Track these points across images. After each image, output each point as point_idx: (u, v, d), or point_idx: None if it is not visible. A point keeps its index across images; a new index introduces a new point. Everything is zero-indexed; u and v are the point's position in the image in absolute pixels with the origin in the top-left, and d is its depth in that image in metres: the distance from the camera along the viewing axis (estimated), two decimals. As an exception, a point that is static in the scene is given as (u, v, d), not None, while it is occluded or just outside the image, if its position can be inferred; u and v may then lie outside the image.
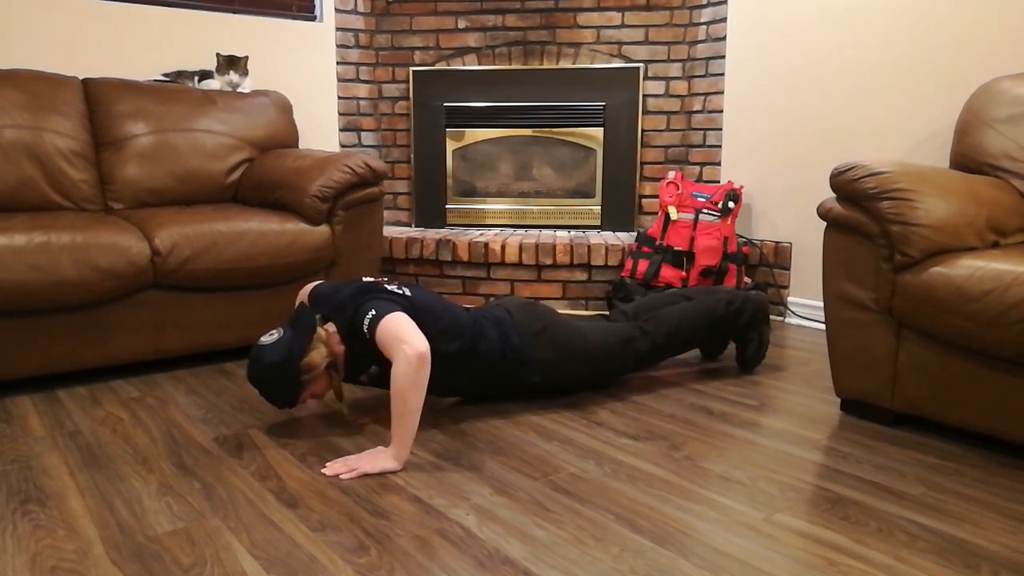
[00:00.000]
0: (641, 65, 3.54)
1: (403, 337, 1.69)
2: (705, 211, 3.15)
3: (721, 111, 3.40)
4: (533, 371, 2.08)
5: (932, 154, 2.71)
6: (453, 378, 2.00)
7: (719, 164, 3.44)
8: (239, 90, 3.11)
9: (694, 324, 2.31)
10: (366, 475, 1.66)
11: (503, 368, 2.04)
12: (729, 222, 3.13)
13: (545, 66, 3.62)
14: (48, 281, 2.12)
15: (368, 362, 1.89)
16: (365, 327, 1.76)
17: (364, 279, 1.99)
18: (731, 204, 3.13)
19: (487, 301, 3.24)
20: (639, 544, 1.39)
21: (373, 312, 1.76)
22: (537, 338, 2.07)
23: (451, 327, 1.94)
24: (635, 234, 3.54)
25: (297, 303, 2.12)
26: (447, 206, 3.75)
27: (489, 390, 2.10)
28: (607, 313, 2.39)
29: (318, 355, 1.84)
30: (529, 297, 3.00)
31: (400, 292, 1.91)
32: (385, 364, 1.78)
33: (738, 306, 2.38)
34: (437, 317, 1.92)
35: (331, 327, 1.90)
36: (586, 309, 3.29)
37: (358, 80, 3.70)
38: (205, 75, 3.11)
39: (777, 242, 3.22)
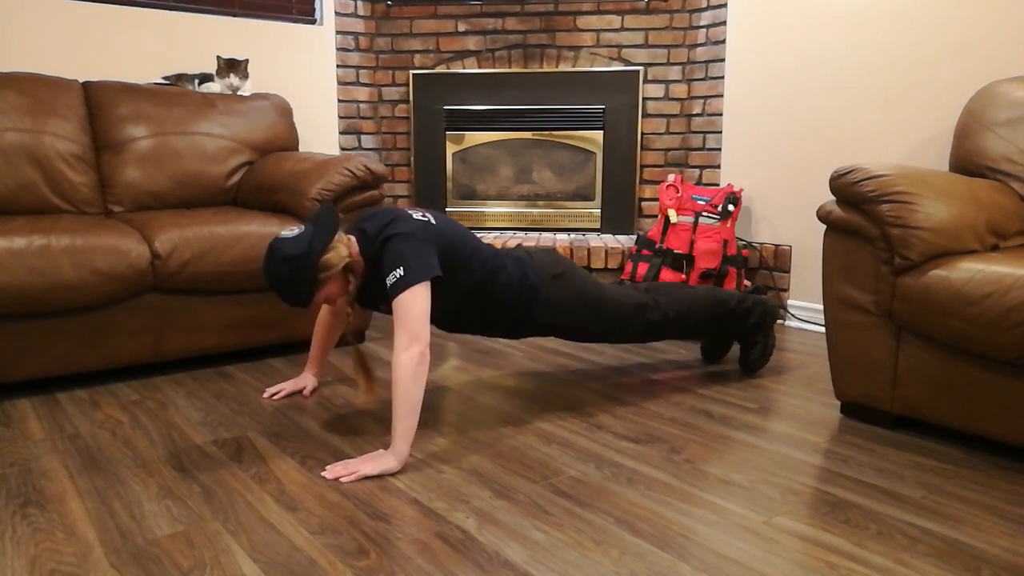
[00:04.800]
0: (641, 68, 3.55)
1: (412, 326, 1.68)
2: (705, 214, 3.15)
3: (721, 114, 3.40)
4: (545, 312, 2.05)
5: (932, 157, 2.71)
6: (466, 312, 1.98)
7: (719, 167, 3.44)
8: (239, 93, 3.11)
9: (705, 308, 2.29)
10: (366, 478, 1.66)
11: (518, 305, 2.02)
12: (729, 225, 3.13)
13: (545, 69, 3.63)
14: (48, 284, 2.12)
15: (382, 296, 1.84)
16: (390, 282, 1.73)
17: (393, 208, 1.93)
18: (731, 207, 3.13)
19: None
20: (639, 547, 1.39)
21: (401, 271, 1.72)
22: (554, 281, 2.05)
23: (472, 257, 1.92)
24: (635, 237, 3.54)
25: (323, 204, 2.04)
26: (447, 209, 3.75)
27: (500, 328, 2.07)
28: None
29: (336, 255, 1.79)
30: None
31: (426, 220, 1.86)
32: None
33: (749, 305, 2.38)
34: (459, 249, 1.89)
35: (354, 239, 1.86)
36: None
37: (358, 83, 3.71)
38: (205, 78, 3.12)
39: (777, 245, 3.22)
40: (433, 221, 1.88)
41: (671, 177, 3.26)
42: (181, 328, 2.40)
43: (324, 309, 2.21)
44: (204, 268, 2.38)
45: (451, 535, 1.43)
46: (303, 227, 1.80)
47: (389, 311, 1.89)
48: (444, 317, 1.97)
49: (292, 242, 1.76)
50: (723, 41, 3.35)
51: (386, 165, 3.79)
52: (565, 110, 3.61)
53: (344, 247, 1.82)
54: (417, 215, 1.87)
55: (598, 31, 3.57)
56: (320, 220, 1.80)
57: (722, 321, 2.35)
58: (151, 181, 2.79)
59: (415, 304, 1.71)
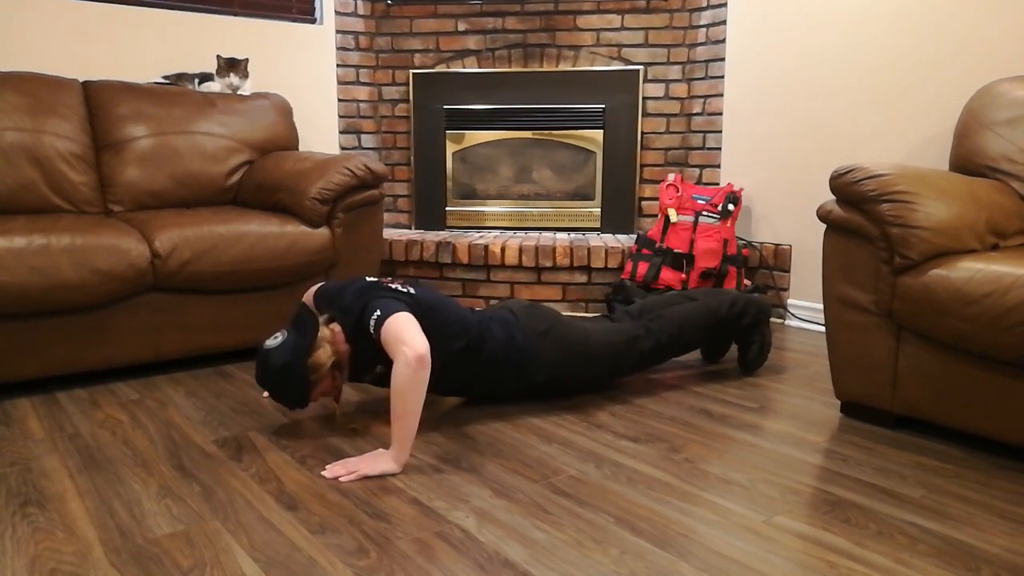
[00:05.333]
0: (641, 68, 3.55)
1: (404, 338, 1.69)
2: (705, 213, 3.15)
3: (721, 114, 3.40)
4: (538, 371, 2.08)
5: (932, 157, 2.71)
6: (457, 378, 2.00)
7: (719, 166, 3.44)
8: (239, 92, 3.11)
9: (698, 324, 2.31)
10: (366, 477, 1.66)
11: (508, 368, 2.04)
12: (729, 224, 3.13)
13: (545, 68, 3.62)
14: (48, 284, 2.12)
15: (374, 361, 1.89)
16: (372, 327, 1.76)
17: (368, 278, 1.99)
18: (731, 206, 3.13)
19: (489, 304, 3.25)
20: (639, 546, 1.39)
21: (379, 312, 1.76)
22: (542, 338, 2.07)
23: (456, 326, 1.94)
24: (635, 236, 3.54)
25: (299, 304, 2.12)
26: (447, 208, 3.76)
27: (493, 391, 2.10)
28: (610, 315, 2.39)
29: (324, 354, 1.84)
30: (531, 300, 3.00)
31: (405, 291, 1.91)
32: (390, 364, 1.78)
33: (741, 307, 2.38)
34: (442, 316, 1.92)
35: (336, 327, 1.90)
36: (586, 311, 3.29)
37: (358, 83, 3.71)
38: (205, 78, 3.11)
39: (777, 244, 3.22)
40: (413, 291, 1.92)
41: (671, 176, 3.26)
42: (181, 327, 2.40)
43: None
44: (204, 267, 2.38)
45: (451, 534, 1.43)
46: (285, 333, 1.84)
47: (373, 381, 1.96)
48: (435, 384, 1.94)
49: (276, 352, 1.81)
50: (723, 41, 3.35)
51: (386, 164, 3.79)
52: (565, 109, 3.61)
53: (328, 344, 1.86)
54: (396, 286, 1.92)
55: (598, 30, 3.57)
56: (300, 324, 1.85)
57: (717, 329, 2.36)
58: (151, 180, 2.79)
59: (397, 324, 1.73)
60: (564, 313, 3.25)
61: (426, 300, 1.91)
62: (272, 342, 1.84)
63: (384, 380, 1.92)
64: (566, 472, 1.71)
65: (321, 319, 1.89)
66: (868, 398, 2.01)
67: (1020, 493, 1.63)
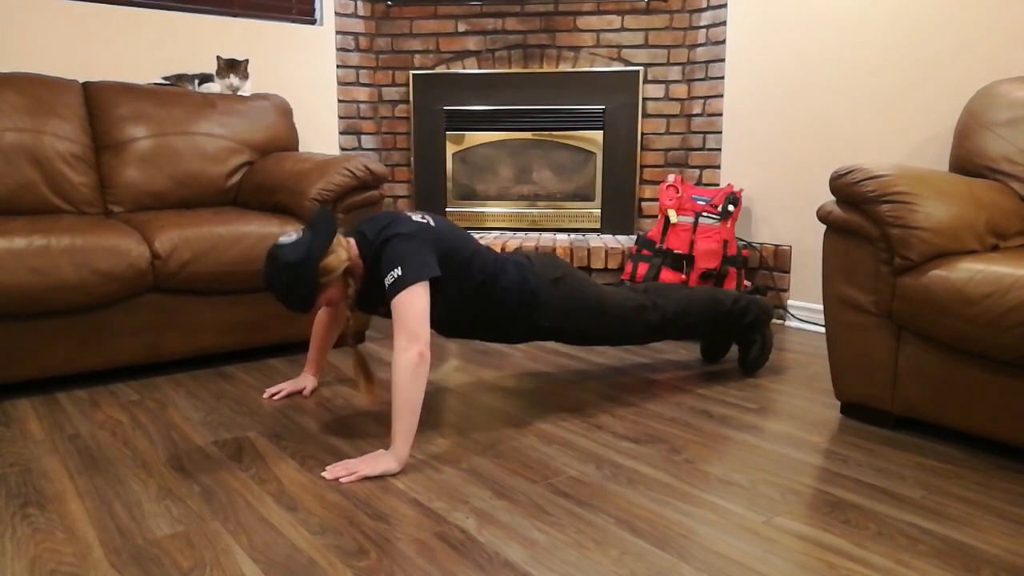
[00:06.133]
0: (641, 68, 3.55)
1: (411, 326, 1.68)
2: (705, 214, 3.15)
3: (721, 114, 3.40)
4: (545, 315, 2.04)
5: (932, 157, 2.71)
6: (468, 314, 1.98)
7: (719, 167, 3.44)
8: (239, 93, 3.11)
9: (702, 309, 2.29)
10: (366, 478, 1.66)
11: (518, 309, 2.01)
12: (729, 225, 3.13)
13: (545, 69, 3.63)
14: (48, 284, 2.12)
15: (381, 297, 1.84)
16: (387, 282, 1.73)
17: (390, 211, 1.93)
18: (731, 207, 3.13)
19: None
20: (639, 547, 1.39)
21: (399, 272, 1.72)
22: (554, 285, 2.05)
23: (473, 260, 1.92)
24: (635, 237, 3.54)
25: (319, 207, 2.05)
26: (447, 209, 3.76)
27: (499, 332, 2.07)
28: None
29: (336, 259, 1.79)
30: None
31: (425, 222, 1.86)
32: None
33: (744, 305, 2.38)
34: (460, 250, 1.89)
35: (353, 242, 1.86)
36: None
37: (358, 83, 3.71)
38: (205, 78, 3.12)
39: (777, 245, 3.22)
40: (433, 224, 1.88)
41: (671, 177, 3.26)
42: (181, 328, 2.40)
43: (322, 309, 2.21)
44: (204, 268, 2.38)
45: (451, 535, 1.43)
46: (301, 232, 1.80)
47: (388, 314, 1.90)
48: (443, 321, 1.96)
49: (291, 248, 1.76)
50: (723, 41, 3.35)
51: (386, 165, 3.79)
52: (565, 110, 3.61)
53: (343, 250, 1.82)
54: (416, 217, 1.87)
55: (598, 31, 3.57)
56: (318, 224, 1.80)
57: (719, 321, 2.35)
58: (151, 181, 2.79)
59: (414, 304, 1.70)
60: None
61: (445, 234, 1.88)
62: (286, 239, 1.78)
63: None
64: (566, 473, 1.71)
65: (340, 230, 1.85)
66: (868, 399, 2.01)
67: (1020, 494, 1.63)
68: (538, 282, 2.03)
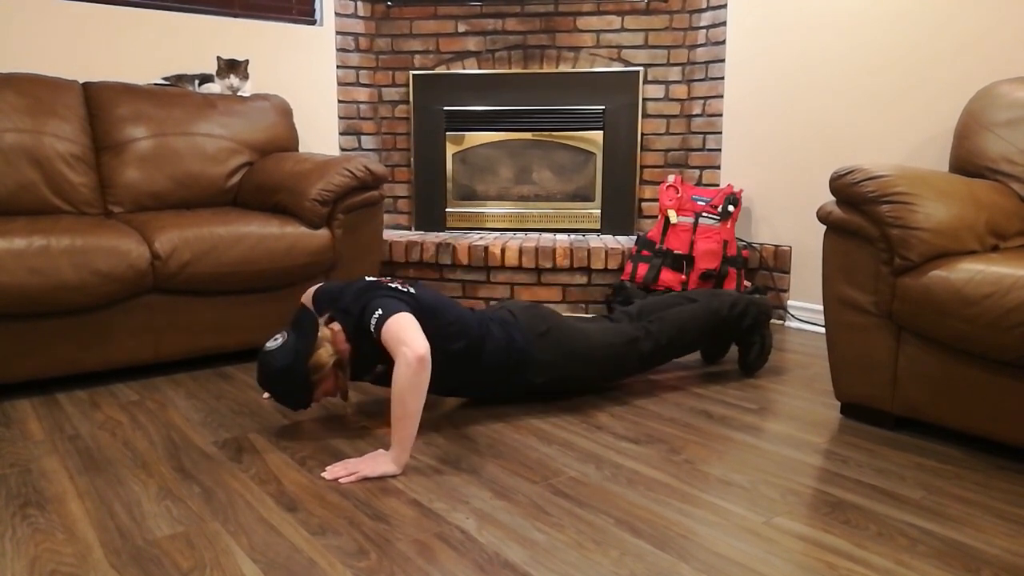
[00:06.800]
0: (641, 69, 3.55)
1: (405, 338, 1.69)
2: (705, 215, 3.15)
3: (721, 115, 3.40)
4: (537, 372, 2.07)
5: (932, 158, 2.71)
6: (457, 378, 2.00)
7: (719, 168, 3.44)
8: (239, 94, 3.11)
9: (698, 326, 2.30)
10: (366, 479, 1.66)
11: (508, 369, 2.04)
12: (729, 226, 3.13)
13: (545, 70, 3.63)
14: (48, 285, 2.12)
15: (374, 361, 1.89)
16: (372, 326, 1.76)
17: (368, 278, 1.99)
18: (731, 208, 3.13)
19: (488, 305, 3.25)
20: (639, 548, 1.39)
21: (380, 311, 1.76)
22: (542, 339, 2.07)
23: (456, 325, 1.94)
24: (635, 238, 3.54)
25: (299, 305, 2.12)
26: (447, 210, 3.76)
27: (493, 392, 2.10)
28: (609, 315, 2.39)
29: (325, 353, 1.84)
30: (531, 301, 2.99)
31: (405, 290, 1.91)
32: (391, 363, 1.78)
33: (742, 309, 2.38)
34: (442, 316, 1.92)
35: (336, 326, 1.90)
36: (586, 312, 3.29)
37: (358, 84, 3.71)
38: (205, 79, 3.12)
39: (777, 246, 3.22)
40: (413, 291, 1.92)
41: (671, 178, 3.26)
42: (181, 329, 2.40)
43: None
44: (204, 269, 2.38)
45: (451, 536, 1.43)
46: (285, 334, 1.84)
47: (374, 380, 1.96)
48: (433, 383, 1.93)
49: (278, 354, 1.81)
50: (723, 42, 3.35)
51: (386, 166, 3.79)
52: (565, 111, 3.61)
53: (329, 344, 1.86)
54: (396, 285, 1.92)
55: (598, 32, 3.57)
56: (300, 326, 1.85)
57: (717, 330, 2.36)
58: (151, 182, 2.79)
59: (401, 323, 1.73)
60: (564, 314, 3.25)
61: (427, 300, 1.91)
62: (272, 344, 1.83)
63: (384, 379, 1.92)
64: (566, 473, 1.71)
65: (321, 319, 1.89)
66: (868, 399, 2.01)
67: (1020, 494, 1.63)
68: (525, 340, 2.05)
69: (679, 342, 2.28)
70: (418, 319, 1.77)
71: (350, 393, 2.14)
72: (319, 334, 1.85)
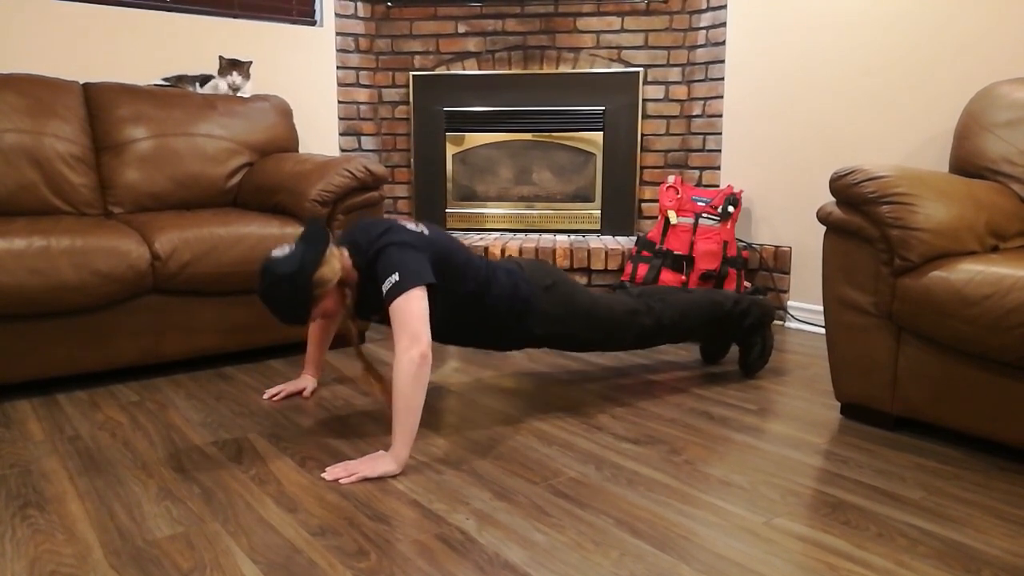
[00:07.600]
0: (641, 69, 3.55)
1: (411, 330, 1.68)
2: (705, 215, 3.15)
3: (721, 115, 3.40)
4: (537, 323, 2.06)
5: (932, 158, 2.71)
6: (460, 322, 1.99)
7: (719, 168, 3.44)
8: (240, 94, 3.11)
9: (700, 313, 2.29)
10: (366, 479, 1.66)
11: (510, 317, 2.02)
12: (729, 226, 3.13)
13: (545, 70, 3.63)
14: (48, 285, 2.12)
15: (379, 307, 1.85)
16: (385, 289, 1.73)
17: (382, 219, 1.93)
18: (731, 208, 3.13)
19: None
20: (639, 548, 1.39)
21: (396, 277, 1.72)
22: (546, 292, 2.06)
23: (465, 268, 1.93)
24: (635, 238, 3.54)
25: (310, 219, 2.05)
26: (447, 210, 3.76)
27: (493, 339, 2.08)
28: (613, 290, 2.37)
29: (330, 270, 1.79)
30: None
31: (418, 231, 1.87)
32: None
33: (745, 307, 2.37)
34: (454, 257, 1.90)
35: (345, 252, 1.86)
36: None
37: (358, 84, 3.71)
38: (206, 79, 3.12)
39: (777, 246, 3.22)
40: (427, 232, 1.89)
41: (671, 178, 3.26)
42: (181, 329, 2.40)
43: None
44: (204, 269, 2.38)
45: (451, 536, 1.43)
46: (293, 245, 1.80)
47: (382, 320, 1.91)
48: (437, 328, 1.95)
49: (283, 261, 1.75)
50: (723, 42, 3.35)
51: (386, 166, 3.79)
52: (565, 111, 3.61)
53: (336, 261, 1.82)
54: (410, 226, 1.89)
55: (598, 32, 3.58)
56: (309, 236, 1.80)
57: (718, 324, 2.35)
58: (151, 182, 2.79)
59: (412, 307, 1.71)
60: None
61: (440, 241, 1.89)
62: (278, 252, 1.78)
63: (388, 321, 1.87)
64: (566, 474, 1.71)
65: (333, 240, 1.85)
66: (868, 400, 2.01)
67: (1020, 495, 1.63)
68: (529, 289, 2.04)
69: (680, 326, 2.26)
70: (431, 260, 1.76)
71: (355, 333, 2.05)
72: (328, 250, 1.80)
